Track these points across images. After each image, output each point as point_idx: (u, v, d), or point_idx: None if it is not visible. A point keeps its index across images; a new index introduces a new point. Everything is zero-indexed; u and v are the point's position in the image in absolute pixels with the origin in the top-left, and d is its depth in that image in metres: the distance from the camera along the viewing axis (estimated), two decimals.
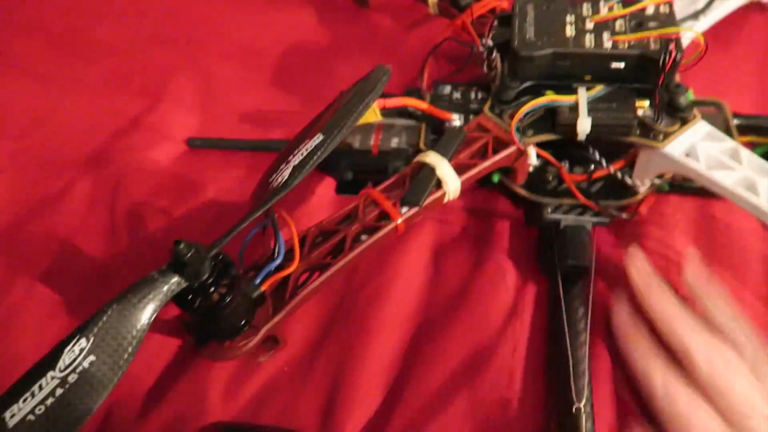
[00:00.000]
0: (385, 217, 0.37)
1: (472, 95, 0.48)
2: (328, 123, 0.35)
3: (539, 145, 0.43)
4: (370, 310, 0.41)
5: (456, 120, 0.46)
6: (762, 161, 0.37)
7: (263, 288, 0.34)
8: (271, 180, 0.33)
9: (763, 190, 0.35)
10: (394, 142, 0.50)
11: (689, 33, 0.38)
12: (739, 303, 0.40)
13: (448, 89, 0.49)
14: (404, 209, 0.37)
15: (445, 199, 0.38)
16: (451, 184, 0.38)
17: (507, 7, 0.49)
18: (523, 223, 0.46)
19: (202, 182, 0.51)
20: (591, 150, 0.42)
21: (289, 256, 0.35)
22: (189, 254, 0.29)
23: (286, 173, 0.33)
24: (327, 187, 0.50)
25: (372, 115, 0.45)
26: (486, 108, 0.42)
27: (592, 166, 0.43)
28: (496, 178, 0.44)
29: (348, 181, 0.49)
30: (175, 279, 0.29)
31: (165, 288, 0.28)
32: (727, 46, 0.57)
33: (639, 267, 0.37)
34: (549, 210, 0.43)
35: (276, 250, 0.35)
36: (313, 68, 0.61)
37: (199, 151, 0.55)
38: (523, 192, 0.44)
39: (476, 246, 0.45)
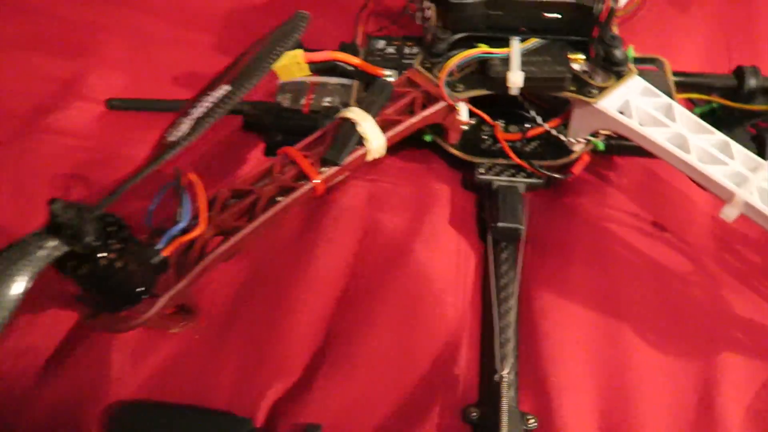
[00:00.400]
0: (302, 177, 0.35)
1: (407, 50, 0.45)
2: (237, 72, 0.32)
3: (474, 103, 0.41)
4: (292, 273, 0.39)
5: (390, 76, 0.43)
6: (695, 118, 0.36)
7: (165, 253, 0.31)
8: (168, 135, 0.31)
9: (693, 147, 0.34)
10: (327, 101, 0.47)
11: None
12: (689, 264, 0.39)
13: (382, 44, 0.46)
14: (324, 168, 0.35)
15: (369, 157, 0.36)
16: (374, 141, 0.35)
17: None
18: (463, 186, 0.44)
19: (121, 146, 0.48)
20: (527, 107, 0.40)
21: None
22: (67, 215, 0.26)
23: (185, 127, 0.30)
24: (261, 151, 0.47)
25: (298, 69, 0.42)
26: (416, 62, 0.39)
27: (528, 125, 0.41)
28: (428, 137, 0.42)
29: (277, 142, 0.46)
30: (53, 243, 0.26)
31: (40, 253, 0.26)
32: (680, 4, 0.56)
33: None
34: (481, 170, 0.41)
35: (180, 213, 0.32)
36: (254, 27, 0.57)
37: (122, 113, 0.51)
38: (455, 151, 0.42)
39: (412, 208, 0.43)
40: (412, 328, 0.37)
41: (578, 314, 0.38)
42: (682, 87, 0.48)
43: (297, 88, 0.49)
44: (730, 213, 0.33)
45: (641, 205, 0.42)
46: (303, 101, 0.47)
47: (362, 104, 0.36)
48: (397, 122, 0.37)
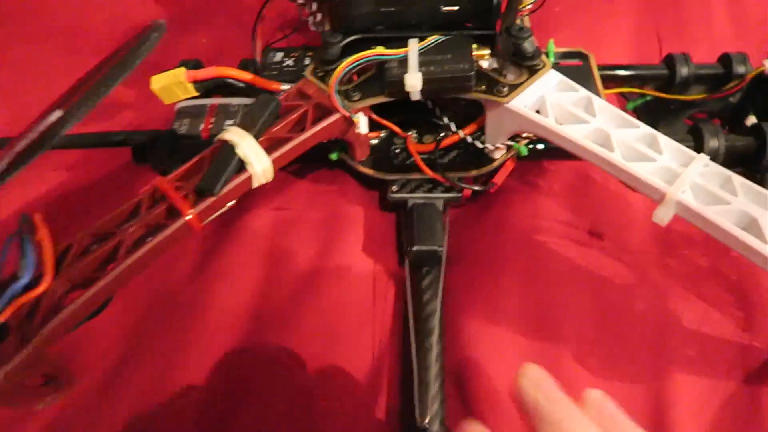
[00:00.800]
0: (175, 212, 0.30)
1: (307, 61, 0.41)
2: (71, 94, 0.27)
3: (382, 112, 0.36)
4: (188, 315, 0.34)
5: (286, 90, 0.39)
6: (618, 111, 0.32)
7: (1, 318, 0.26)
8: None
9: (617, 143, 0.30)
10: (228, 124, 0.42)
11: None
12: (630, 274, 0.35)
13: (279, 56, 0.42)
14: (200, 200, 0.30)
15: (254, 183, 0.31)
16: (258, 164, 0.31)
17: None
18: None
19: None
20: (438, 113, 0.36)
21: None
22: None
23: (3, 164, 0.25)
24: None
25: (182, 91, 0.37)
26: (308, 71, 0.35)
27: (442, 134, 0.37)
28: (334, 156, 0.38)
29: None
30: None
31: None
32: None
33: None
34: (394, 188, 0.37)
35: (22, 267, 0.27)
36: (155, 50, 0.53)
37: None
38: (364, 169, 0.37)
39: (322, 236, 0.38)
40: (323, 373, 0.32)
41: (512, 343, 0.33)
42: (611, 81, 0.45)
43: (196, 112, 0.44)
44: (663, 215, 0.29)
45: (575, 213, 0.38)
46: (201, 126, 0.43)
47: (242, 122, 0.31)
48: (287, 140, 0.32)
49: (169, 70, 0.45)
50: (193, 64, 0.45)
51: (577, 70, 0.42)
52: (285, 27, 0.47)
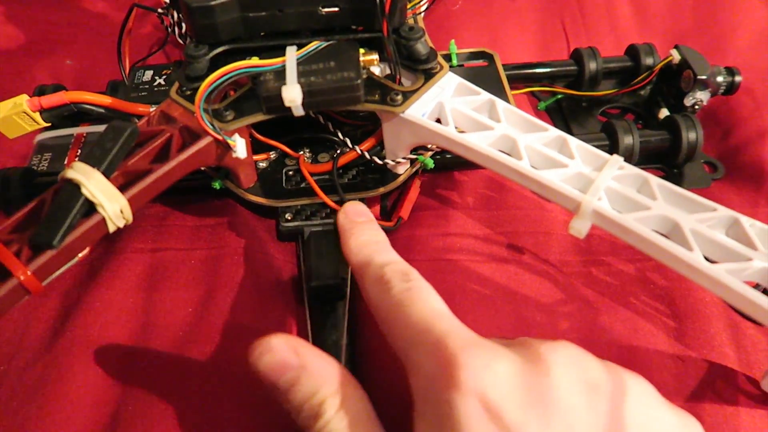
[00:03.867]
0: (4, 271, 0.24)
1: None
2: None
3: (266, 131, 0.32)
4: (38, 395, 0.28)
5: None
6: (522, 114, 0.29)
7: None
8: None
9: (525, 150, 0.27)
10: None
11: None
12: (555, 290, 0.32)
13: (149, 75, 0.37)
14: (37, 255, 0.25)
15: (110, 227, 0.26)
16: (110, 205, 0.25)
17: None
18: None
19: None
20: (332, 129, 0.32)
21: None
22: None
23: None
24: None
25: (27, 122, 0.32)
26: (173, 90, 0.30)
27: (338, 151, 0.33)
28: (217, 184, 0.33)
29: None
30: None
31: None
32: None
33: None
34: (287, 216, 0.32)
35: None
36: (5, 72, 0.46)
37: None
38: (252, 197, 0.33)
39: (206, 279, 0.32)
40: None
41: None
42: (519, 81, 0.42)
43: (60, 144, 0.38)
44: (580, 226, 0.26)
45: (491, 226, 0.35)
46: (66, 161, 0.37)
47: (88, 157, 0.26)
48: (147, 173, 0.27)
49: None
50: (52, 90, 0.39)
51: (482, 71, 0.39)
52: (157, 44, 0.42)
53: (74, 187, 0.25)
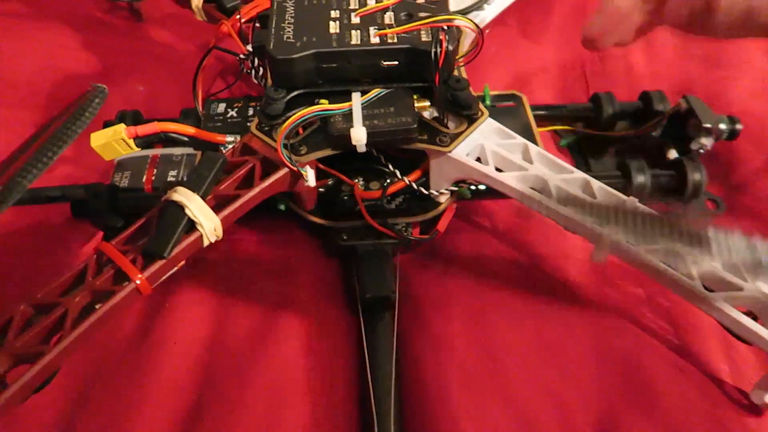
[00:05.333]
0: (123, 277, 0.29)
1: (251, 111, 0.41)
2: (5, 168, 0.27)
3: (329, 160, 0.37)
4: (134, 379, 0.33)
5: (232, 142, 0.39)
6: (552, 158, 0.34)
7: None
8: None
9: (554, 189, 0.32)
10: (172, 175, 0.42)
11: (462, 22, 0.34)
12: (572, 302, 0.37)
13: (222, 107, 0.42)
14: (149, 263, 0.30)
15: (205, 242, 0.31)
16: (207, 224, 0.31)
17: None
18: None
19: None
20: (384, 161, 0.37)
21: None
22: None
23: None
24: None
25: (123, 147, 0.37)
26: (253, 126, 0.35)
27: (388, 180, 0.38)
28: (282, 206, 0.38)
29: (118, 229, 0.40)
30: None
31: None
32: (532, 35, 0.56)
33: None
34: (344, 236, 0.37)
35: None
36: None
37: None
38: (313, 218, 0.38)
39: (271, 288, 0.38)
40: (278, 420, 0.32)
41: (463, 383, 0.34)
42: (544, 119, 0.47)
43: (137, 164, 0.43)
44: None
45: (518, 249, 0.40)
46: (144, 178, 0.42)
47: (189, 182, 0.31)
48: (235, 197, 0.32)
49: (107, 121, 0.44)
50: (132, 116, 0.44)
51: (511, 111, 0.44)
52: (225, 73, 0.48)
53: (179, 208, 0.30)
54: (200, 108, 0.43)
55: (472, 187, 0.39)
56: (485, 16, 0.44)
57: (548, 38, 0.56)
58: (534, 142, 0.39)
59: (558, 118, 0.47)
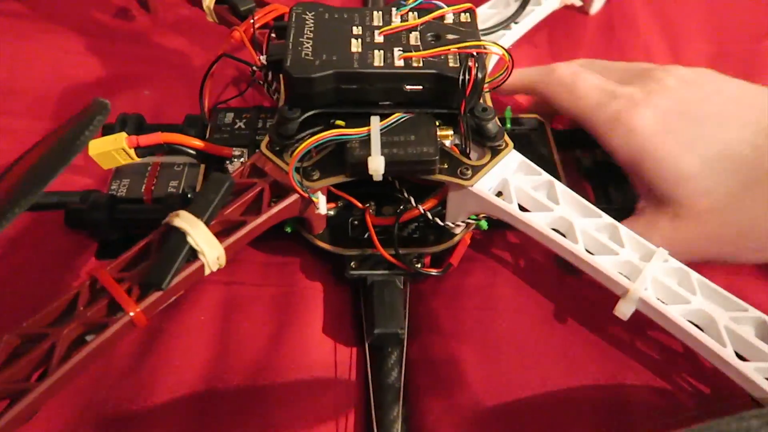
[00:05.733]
0: (117, 307, 0.27)
1: (261, 123, 0.39)
2: (10, 184, 0.24)
3: (338, 184, 0.35)
4: (130, 410, 0.31)
5: (240, 156, 0.37)
6: (579, 199, 0.32)
7: None
8: None
9: (580, 233, 0.30)
10: (173, 186, 0.40)
11: (495, 48, 0.32)
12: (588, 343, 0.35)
13: (230, 117, 0.40)
14: (147, 294, 0.28)
15: (206, 271, 0.29)
16: (210, 253, 0.29)
17: None
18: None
19: None
20: (399, 186, 0.35)
21: None
22: None
23: None
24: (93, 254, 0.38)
25: (123, 157, 0.35)
26: (263, 145, 0.33)
27: (401, 207, 0.36)
28: (289, 229, 0.36)
29: (113, 242, 0.38)
30: None
31: None
32: (557, 52, 0.53)
33: None
34: (353, 265, 0.35)
35: None
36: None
37: None
38: (321, 243, 0.36)
39: (277, 315, 0.36)
40: None
41: (474, 419, 0.32)
42: (564, 144, 0.45)
43: (136, 172, 0.41)
44: (625, 310, 0.29)
45: (537, 287, 0.38)
46: (143, 187, 0.40)
47: (193, 207, 0.29)
48: (241, 224, 0.30)
49: (106, 125, 0.42)
50: (135, 120, 0.42)
51: (532, 137, 0.42)
52: (238, 81, 0.45)
53: (181, 234, 0.28)
54: (206, 117, 0.40)
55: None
56: (512, 36, 0.42)
57: (571, 53, 0.53)
58: (556, 174, 0.38)
59: (578, 141, 0.45)
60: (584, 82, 0.37)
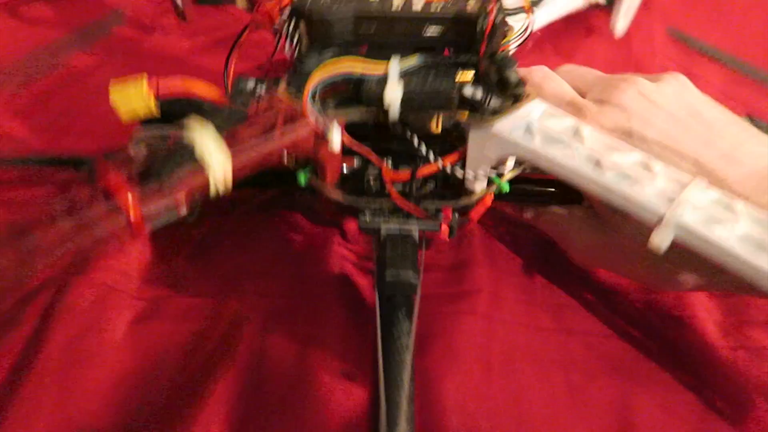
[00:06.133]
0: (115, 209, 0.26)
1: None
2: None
3: (354, 136, 0.34)
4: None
5: None
6: (606, 138, 0.30)
7: None
8: None
9: (608, 166, 0.28)
10: None
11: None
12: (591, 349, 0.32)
13: (251, 85, 0.40)
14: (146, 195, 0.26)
15: (212, 189, 0.28)
16: (216, 160, 0.27)
17: None
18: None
19: None
20: (415, 142, 0.34)
21: None
22: None
23: None
24: None
25: (143, 106, 0.34)
26: (280, 87, 0.33)
27: (419, 162, 0.34)
28: (302, 178, 0.35)
29: None
30: None
31: None
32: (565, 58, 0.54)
33: None
34: (366, 217, 0.34)
35: None
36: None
37: None
38: (334, 194, 0.34)
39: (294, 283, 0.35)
40: None
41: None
42: None
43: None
44: (660, 239, 0.26)
45: (539, 293, 0.37)
46: None
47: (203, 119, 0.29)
48: (252, 145, 0.29)
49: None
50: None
51: None
52: (257, 60, 0.46)
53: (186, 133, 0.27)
54: (228, 86, 0.41)
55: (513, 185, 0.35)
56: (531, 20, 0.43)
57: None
58: None
59: None
60: (548, 90, 0.36)
